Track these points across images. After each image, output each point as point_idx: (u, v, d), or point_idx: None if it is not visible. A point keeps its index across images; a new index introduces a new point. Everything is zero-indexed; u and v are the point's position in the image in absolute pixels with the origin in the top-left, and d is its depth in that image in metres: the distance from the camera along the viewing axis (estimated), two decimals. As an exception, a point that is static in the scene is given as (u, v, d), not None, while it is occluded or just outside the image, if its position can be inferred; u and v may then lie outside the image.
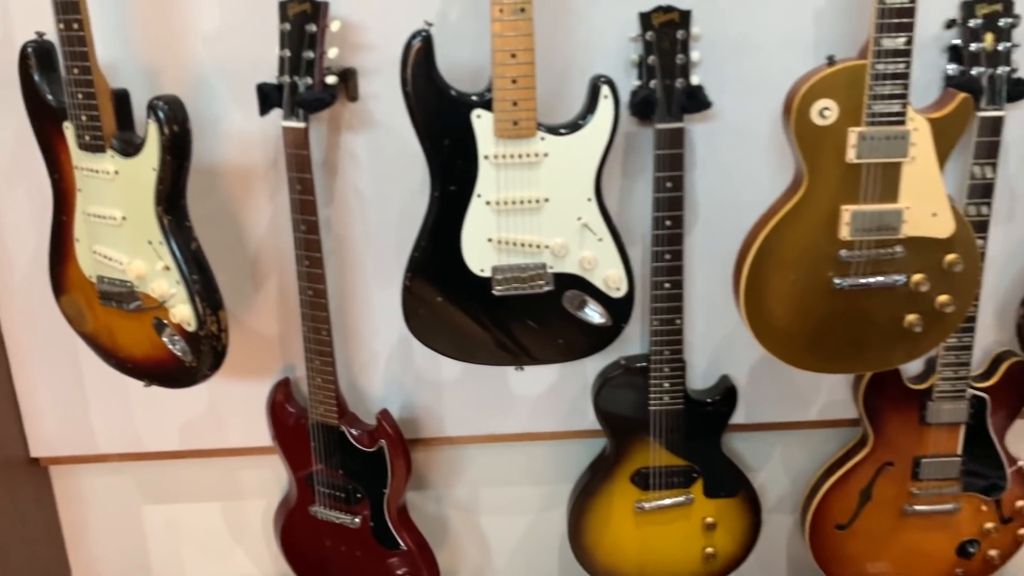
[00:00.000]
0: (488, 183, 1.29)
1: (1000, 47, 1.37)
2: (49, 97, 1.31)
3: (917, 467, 1.58)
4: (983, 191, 1.43)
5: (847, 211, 1.30)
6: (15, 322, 1.58)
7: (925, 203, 1.30)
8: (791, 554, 1.82)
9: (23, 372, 1.61)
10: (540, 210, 1.31)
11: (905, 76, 1.24)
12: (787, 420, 1.68)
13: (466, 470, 1.73)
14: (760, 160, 1.47)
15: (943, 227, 1.31)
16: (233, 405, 1.63)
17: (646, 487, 1.58)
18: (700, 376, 1.63)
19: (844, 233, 1.31)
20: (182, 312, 1.31)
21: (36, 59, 1.30)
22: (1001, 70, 1.38)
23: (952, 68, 1.40)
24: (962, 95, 1.28)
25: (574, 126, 1.29)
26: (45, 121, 1.32)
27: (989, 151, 1.40)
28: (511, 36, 1.21)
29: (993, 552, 1.65)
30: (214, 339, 1.34)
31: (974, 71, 1.38)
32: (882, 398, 1.55)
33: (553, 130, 1.28)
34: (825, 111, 1.26)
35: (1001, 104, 1.38)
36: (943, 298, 1.35)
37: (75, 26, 1.20)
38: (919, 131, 1.27)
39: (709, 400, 1.56)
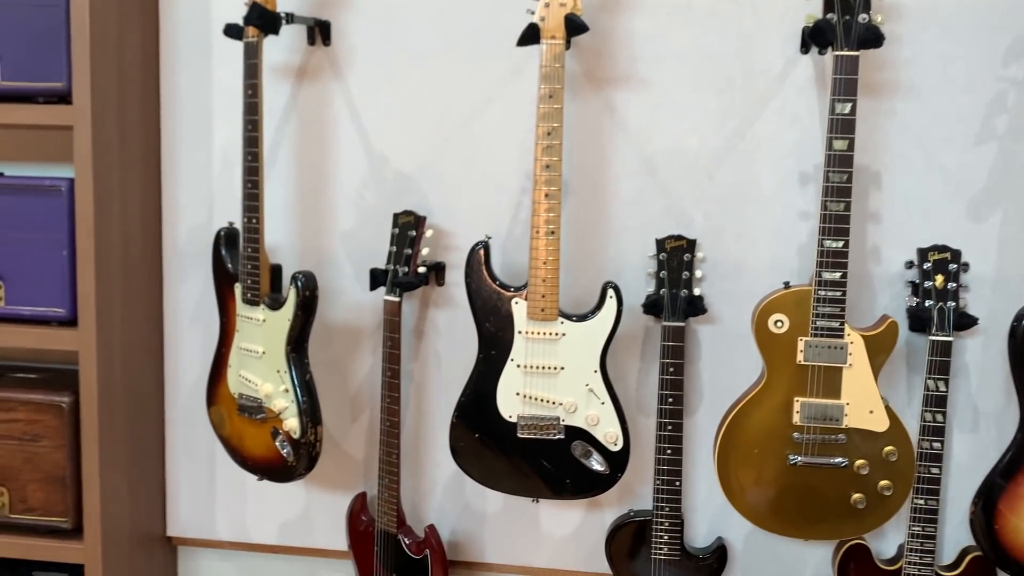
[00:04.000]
0: (520, 351, 1.72)
1: (949, 286, 1.70)
2: (229, 265, 1.87)
3: (890, 644, 1.78)
4: (937, 401, 1.70)
5: (798, 402, 1.64)
6: (176, 426, 2.10)
7: (863, 402, 1.62)
8: None
9: (174, 463, 2.11)
10: (557, 375, 1.72)
11: (842, 301, 1.60)
12: (779, 589, 1.92)
13: (499, 596, 2.06)
14: (751, 356, 1.82)
15: (879, 423, 1.62)
16: (322, 510, 2.05)
17: (642, 628, 1.85)
18: (701, 536, 1.91)
19: (796, 419, 1.64)
20: (291, 423, 1.78)
21: (225, 239, 1.88)
22: (949, 304, 1.70)
23: (911, 299, 1.74)
24: (890, 320, 1.62)
25: (585, 316, 1.72)
26: (223, 281, 1.88)
27: (941, 368, 1.69)
28: (543, 250, 1.67)
29: None
30: (311, 446, 1.79)
31: (927, 303, 1.71)
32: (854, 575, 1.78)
33: (569, 317, 1.71)
34: (778, 322, 1.63)
35: (949, 332, 1.69)
36: (883, 482, 1.63)
37: (254, 220, 1.77)
38: (855, 344, 1.61)
39: (703, 556, 1.85)
